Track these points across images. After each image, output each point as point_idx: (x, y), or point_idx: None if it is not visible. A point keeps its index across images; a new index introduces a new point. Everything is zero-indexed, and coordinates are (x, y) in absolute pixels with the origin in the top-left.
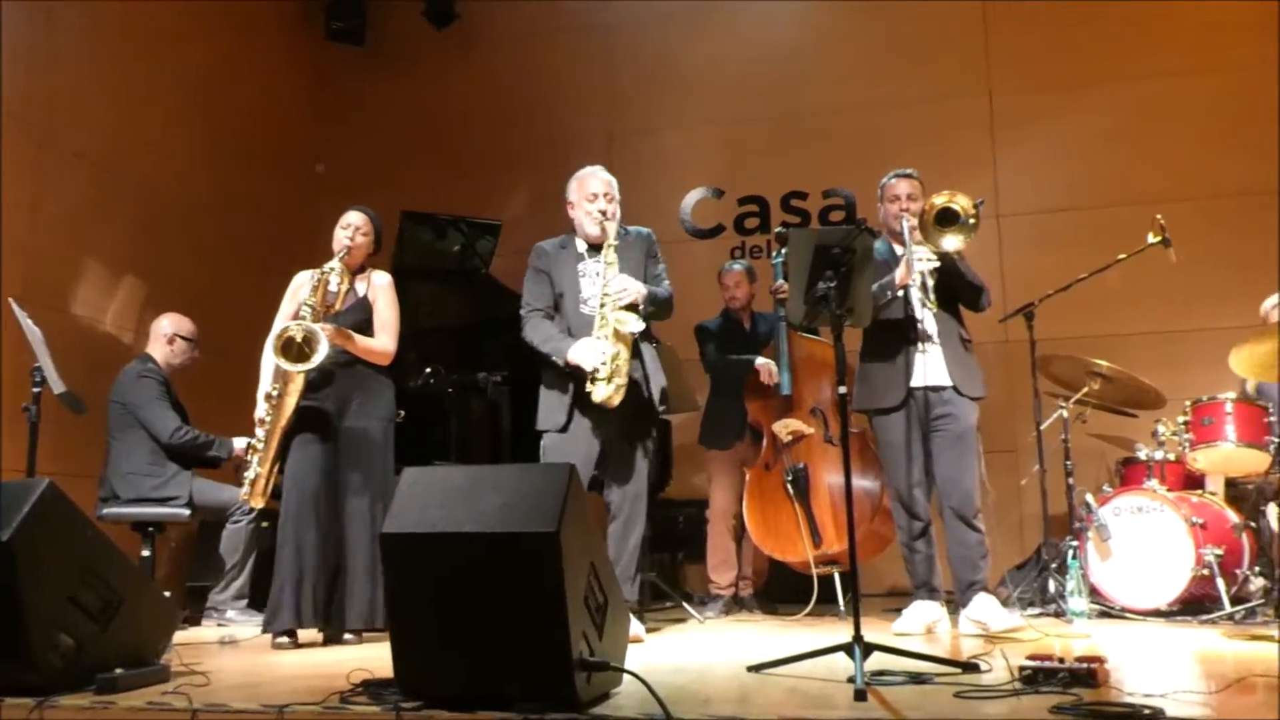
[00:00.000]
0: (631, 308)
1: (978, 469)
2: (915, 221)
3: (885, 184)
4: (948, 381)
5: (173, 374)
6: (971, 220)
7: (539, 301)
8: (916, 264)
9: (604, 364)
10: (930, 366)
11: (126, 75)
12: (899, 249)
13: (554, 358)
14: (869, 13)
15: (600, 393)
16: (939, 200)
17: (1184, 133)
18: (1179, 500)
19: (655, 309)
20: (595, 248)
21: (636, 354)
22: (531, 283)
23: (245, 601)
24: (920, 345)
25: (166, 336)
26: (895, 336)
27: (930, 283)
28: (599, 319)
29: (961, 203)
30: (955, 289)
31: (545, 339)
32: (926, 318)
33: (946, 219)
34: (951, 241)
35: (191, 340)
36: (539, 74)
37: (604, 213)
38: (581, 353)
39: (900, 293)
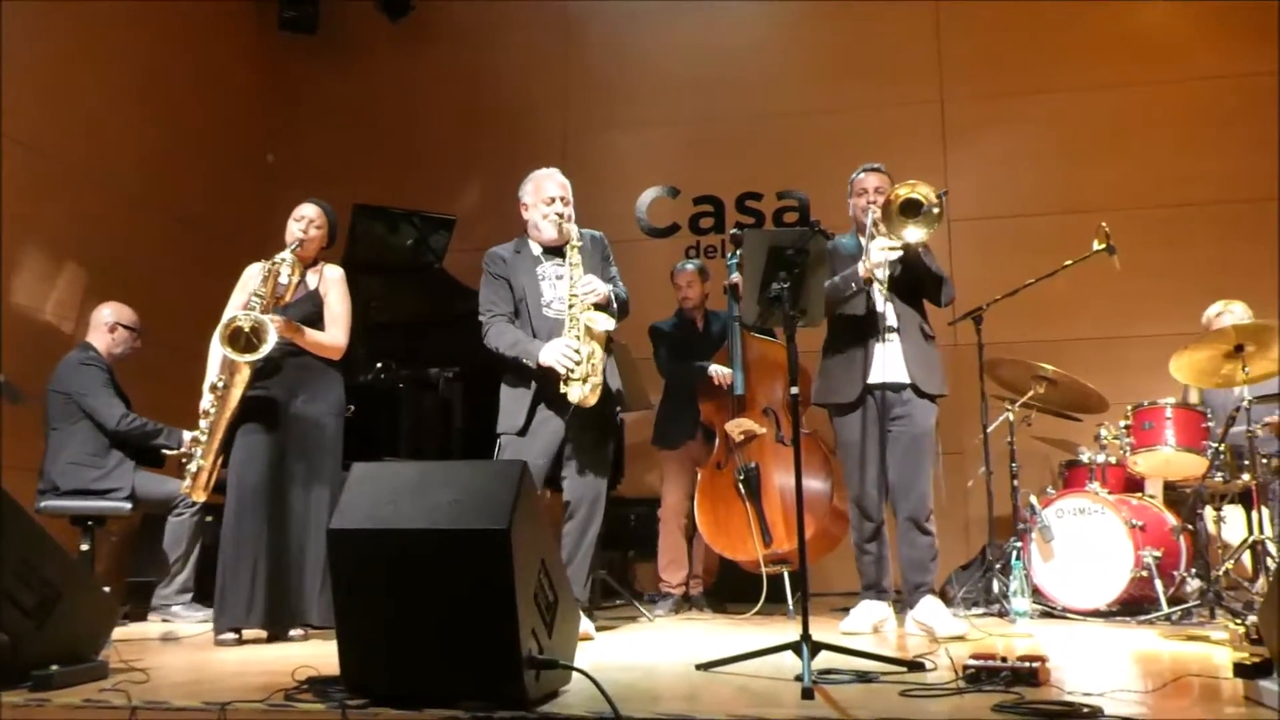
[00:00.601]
0: (600, 307)
1: (932, 472)
2: (879, 213)
3: (854, 178)
4: (906, 379)
5: (114, 363)
6: (935, 210)
7: (500, 306)
8: (876, 255)
9: (578, 364)
10: (889, 362)
11: (72, 61)
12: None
13: (524, 360)
14: (824, 18)
15: (576, 393)
16: (902, 191)
17: (1131, 143)
18: (1119, 503)
19: (615, 310)
20: (550, 251)
21: (608, 352)
22: (490, 289)
23: (190, 595)
24: (880, 341)
25: (107, 325)
26: (856, 332)
27: (887, 274)
28: (569, 320)
29: (924, 192)
30: (918, 280)
31: (513, 343)
32: (888, 312)
33: (910, 210)
34: (914, 233)
35: (133, 329)
36: (494, 69)
37: (561, 215)
38: (553, 354)
39: (863, 286)
